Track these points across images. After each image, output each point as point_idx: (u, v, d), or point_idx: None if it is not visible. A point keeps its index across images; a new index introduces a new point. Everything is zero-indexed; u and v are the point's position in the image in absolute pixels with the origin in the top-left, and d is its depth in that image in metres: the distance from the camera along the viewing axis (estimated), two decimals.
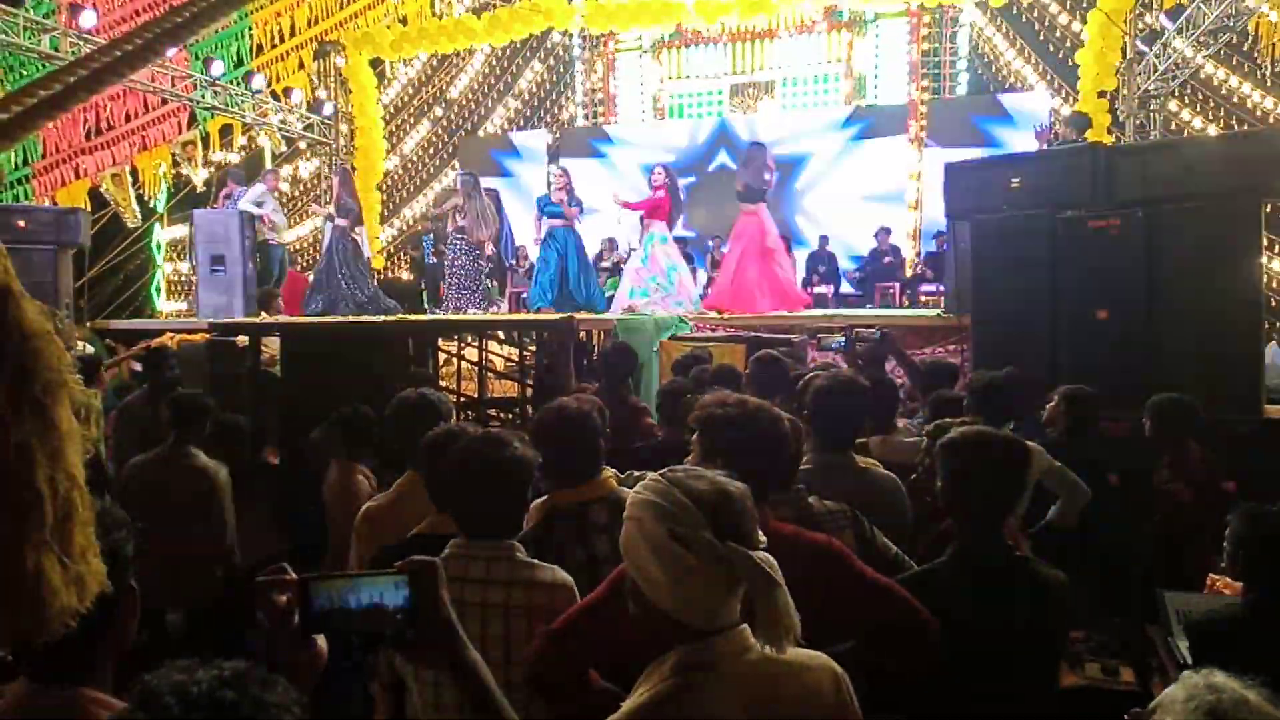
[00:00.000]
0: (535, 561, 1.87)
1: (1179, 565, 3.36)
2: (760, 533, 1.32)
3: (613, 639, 1.55)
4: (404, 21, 14.06)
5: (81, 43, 10.33)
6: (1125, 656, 2.84)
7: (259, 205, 10.15)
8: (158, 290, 13.55)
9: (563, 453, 2.22)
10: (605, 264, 12.75)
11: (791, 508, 2.12)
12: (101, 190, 12.78)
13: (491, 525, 1.88)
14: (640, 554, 1.29)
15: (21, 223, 8.16)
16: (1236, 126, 11.00)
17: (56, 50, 10.16)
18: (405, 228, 15.51)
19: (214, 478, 3.69)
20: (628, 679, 1.37)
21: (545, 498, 2.29)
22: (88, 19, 10.23)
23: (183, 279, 13.85)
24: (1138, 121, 11.41)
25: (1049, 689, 2.07)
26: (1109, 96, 11.43)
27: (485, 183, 11.08)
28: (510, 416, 7.72)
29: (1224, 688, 1.16)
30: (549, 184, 9.40)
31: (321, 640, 1.20)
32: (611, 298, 12.28)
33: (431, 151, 16.00)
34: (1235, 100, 11.24)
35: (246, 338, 6.72)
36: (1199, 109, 11.65)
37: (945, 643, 1.81)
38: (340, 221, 9.69)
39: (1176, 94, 11.55)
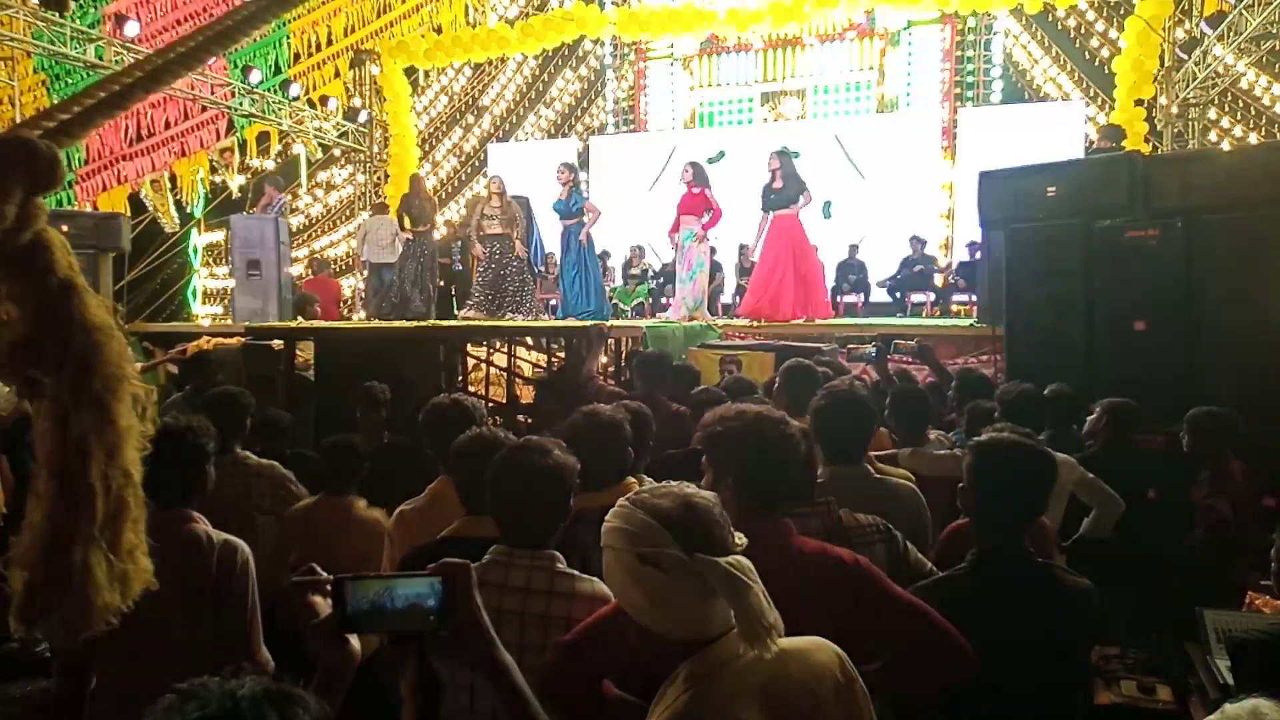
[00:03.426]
0: (576, 573, 1.86)
1: (1218, 582, 3.29)
2: (737, 537, 1.32)
3: (627, 650, 1.54)
4: (438, 31, 14.22)
5: (125, 51, 10.57)
6: (1162, 675, 2.79)
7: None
8: (194, 294, 13.78)
9: (590, 458, 2.23)
10: (634, 270, 12.78)
11: (820, 520, 2.09)
12: (141, 195, 13.04)
13: (533, 533, 1.88)
14: (618, 581, 1.32)
15: (65, 227, 8.19)
16: (1278, 134, 10.80)
17: (101, 59, 10.41)
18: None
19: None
20: (644, 688, 1.37)
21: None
22: (132, 28, 10.46)
23: (219, 282, 14.08)
24: (1175, 130, 11.25)
25: (1073, 700, 2.03)
26: (1146, 105, 11.27)
27: (514, 190, 11.16)
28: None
29: (1269, 714, 1.13)
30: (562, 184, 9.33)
31: (355, 640, 1.22)
32: (641, 305, 12.33)
33: (463, 160, 16.15)
34: (1278, 109, 11.04)
35: (282, 342, 6.81)
36: (1239, 116, 11.45)
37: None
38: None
39: (1216, 102, 11.36)
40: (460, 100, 16.05)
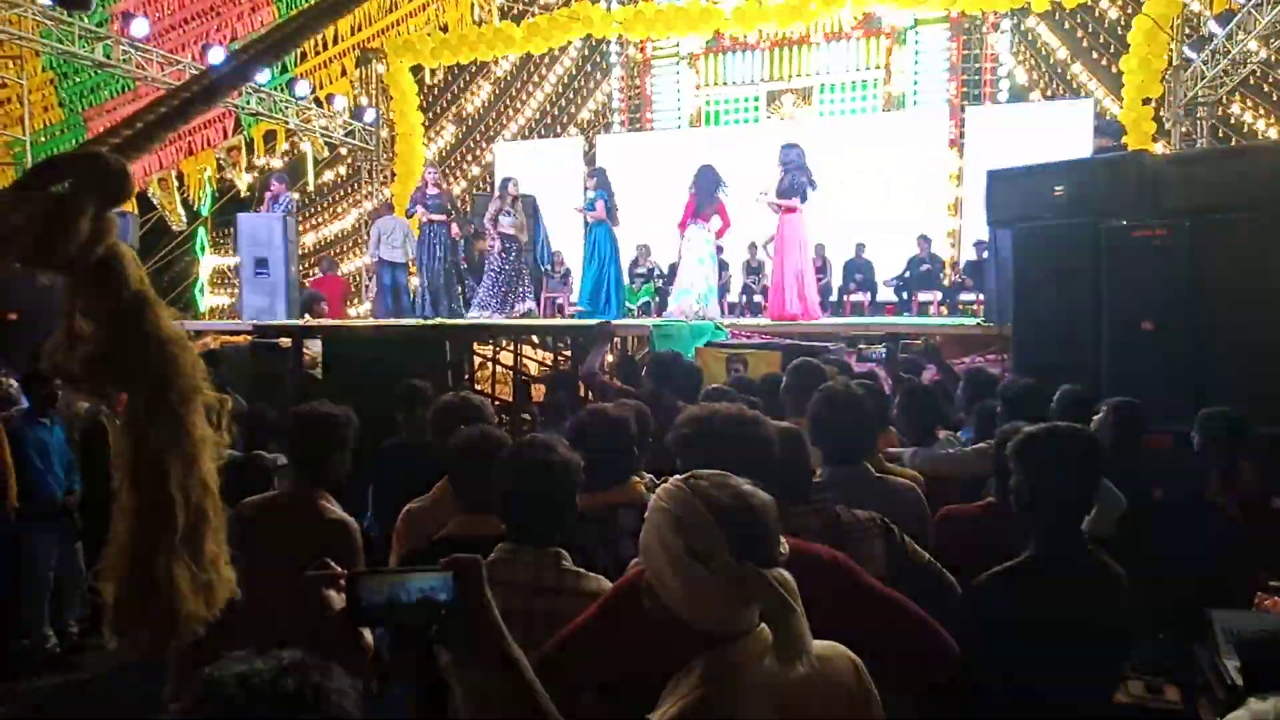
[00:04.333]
0: (582, 571, 1.87)
1: (1226, 583, 3.28)
2: (784, 545, 1.30)
3: (605, 660, 1.52)
4: (444, 29, 14.24)
5: (133, 50, 10.60)
6: (1170, 675, 2.78)
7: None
8: (201, 292, 13.84)
9: (595, 456, 2.23)
10: (640, 270, 12.78)
11: (818, 518, 2.08)
12: (148, 194, 13.09)
13: (539, 531, 1.88)
14: (657, 562, 1.29)
15: None
16: None
17: (109, 57, 10.44)
18: None
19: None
20: (639, 691, 1.37)
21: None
22: (139, 27, 10.49)
23: (226, 281, 14.13)
24: (1184, 129, 11.21)
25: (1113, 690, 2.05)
26: (1154, 103, 11.23)
27: (520, 188, 11.19)
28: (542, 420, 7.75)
29: None
30: (584, 188, 9.47)
31: (368, 634, 1.22)
32: (647, 304, 12.34)
33: (469, 158, 16.17)
34: None
35: (289, 340, 6.83)
36: (1244, 118, 11.40)
37: (1029, 640, 1.76)
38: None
39: (1224, 101, 11.32)
40: (466, 98, 16.06)
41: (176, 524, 0.88)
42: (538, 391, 7.23)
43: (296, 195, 12.64)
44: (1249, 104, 11.35)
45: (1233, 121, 11.46)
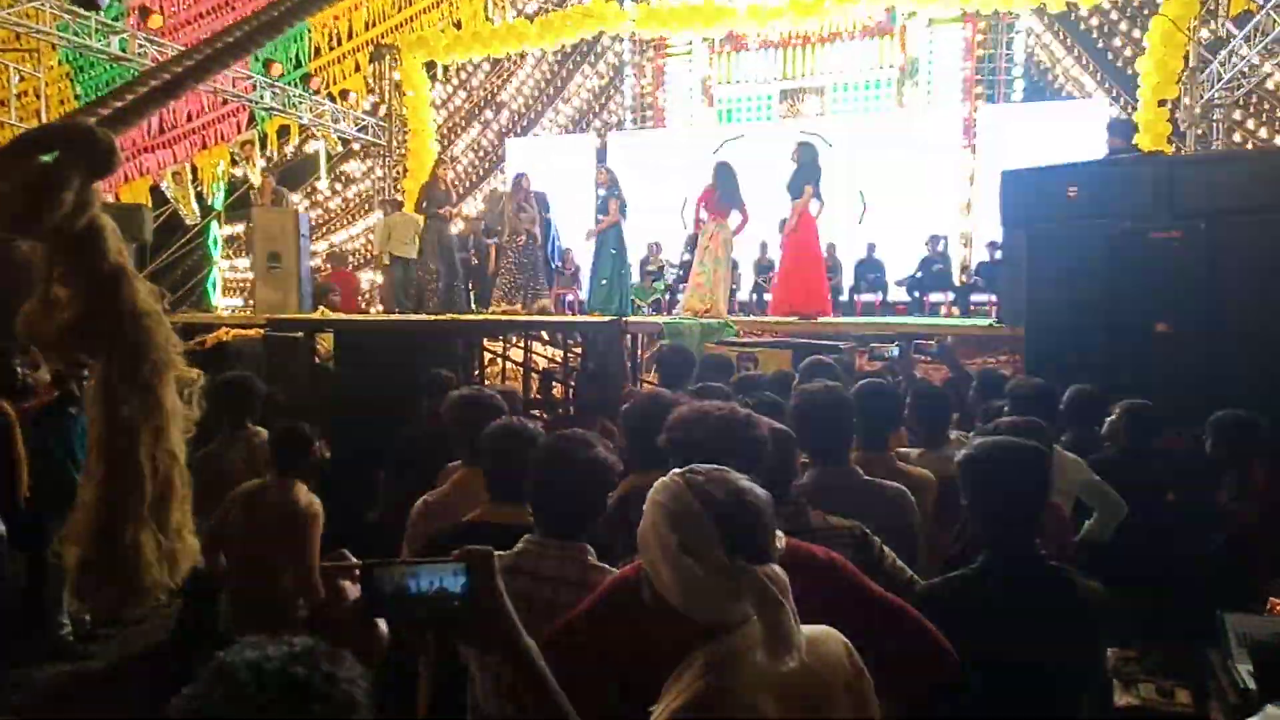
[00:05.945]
0: (606, 566, 1.88)
1: (1239, 586, 3.27)
2: (780, 541, 1.31)
3: (603, 650, 1.53)
4: (458, 25, 14.26)
5: (149, 44, 10.66)
6: (1181, 678, 2.78)
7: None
8: (213, 286, 13.90)
9: (647, 438, 2.22)
10: (651, 267, 12.78)
11: (787, 521, 2.06)
12: (162, 187, 13.15)
13: (569, 524, 1.90)
14: (652, 554, 1.31)
15: None
16: None
17: (125, 52, 10.50)
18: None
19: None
20: (623, 687, 1.37)
21: (627, 479, 2.32)
22: (156, 22, 10.55)
23: (239, 275, 14.19)
24: (1199, 131, 11.13)
25: (1080, 704, 2.01)
26: (1170, 105, 11.16)
27: (533, 185, 11.18)
28: (553, 415, 7.76)
29: None
30: (596, 186, 9.46)
31: (383, 624, 1.23)
32: (658, 300, 12.34)
33: (481, 155, 16.19)
34: None
35: (302, 333, 6.86)
36: (1264, 118, 11.32)
37: (972, 652, 1.74)
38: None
39: (1241, 103, 11.24)
40: (479, 94, 16.09)
41: (145, 492, 0.90)
42: (559, 390, 7.24)
43: (295, 195, 12.67)
44: (1262, 111, 11.25)
45: (1248, 126, 11.36)
